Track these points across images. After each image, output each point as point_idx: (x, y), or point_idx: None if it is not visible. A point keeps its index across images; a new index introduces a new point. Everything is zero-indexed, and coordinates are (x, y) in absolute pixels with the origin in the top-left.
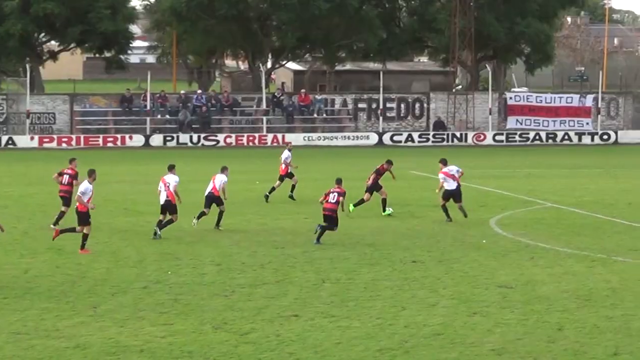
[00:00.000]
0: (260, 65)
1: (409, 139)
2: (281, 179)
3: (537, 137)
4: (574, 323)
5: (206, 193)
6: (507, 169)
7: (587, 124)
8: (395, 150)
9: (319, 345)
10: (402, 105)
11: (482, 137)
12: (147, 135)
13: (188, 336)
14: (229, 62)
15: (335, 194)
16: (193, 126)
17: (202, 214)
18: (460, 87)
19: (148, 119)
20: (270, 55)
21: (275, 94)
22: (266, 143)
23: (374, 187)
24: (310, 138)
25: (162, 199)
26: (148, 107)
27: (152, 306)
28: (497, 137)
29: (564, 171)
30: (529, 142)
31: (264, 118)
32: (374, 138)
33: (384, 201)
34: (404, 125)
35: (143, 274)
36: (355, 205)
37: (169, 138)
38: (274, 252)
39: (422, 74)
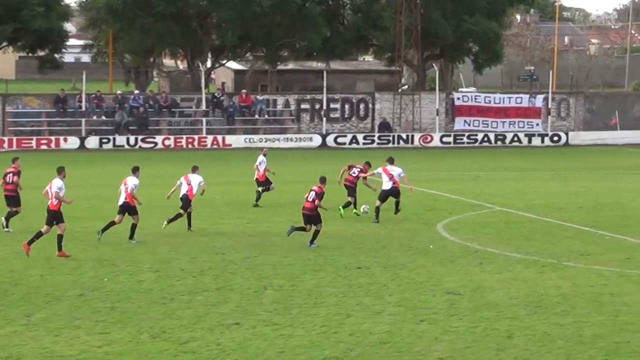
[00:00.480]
0: (200, 64)
1: (354, 140)
2: (260, 184)
3: (486, 139)
4: (524, 330)
5: (181, 195)
6: (454, 171)
7: (537, 125)
8: (339, 153)
9: (261, 355)
10: (346, 106)
11: (429, 138)
12: (83, 138)
13: (125, 345)
14: (168, 62)
15: (313, 192)
16: (130, 128)
17: (178, 215)
18: (406, 87)
19: (83, 120)
20: (210, 54)
21: (215, 94)
22: (206, 145)
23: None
24: (251, 140)
25: (121, 200)
26: (83, 108)
27: (88, 314)
28: (444, 139)
29: (514, 174)
30: (477, 144)
31: (204, 119)
32: (317, 140)
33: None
34: (348, 126)
35: (78, 281)
36: (344, 207)
37: (105, 140)
38: (214, 258)
39: (367, 73)
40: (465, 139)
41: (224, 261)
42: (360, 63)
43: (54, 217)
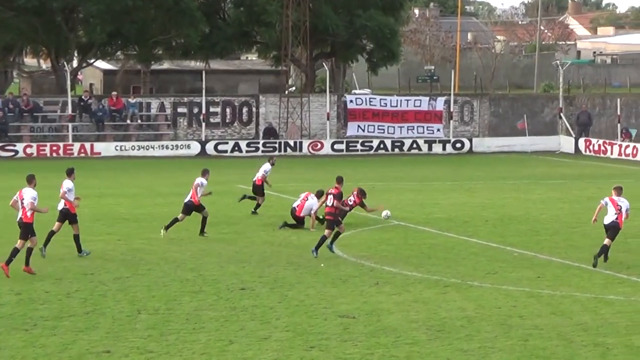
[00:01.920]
0: (65, 64)
1: (236, 148)
2: (255, 189)
3: (382, 146)
4: (424, 357)
5: (185, 200)
6: (347, 182)
7: (438, 130)
8: (220, 161)
9: None
10: (228, 110)
11: (319, 145)
12: None
13: None
14: (29, 61)
15: (331, 196)
16: None
17: (175, 220)
18: (293, 88)
19: None
20: (76, 53)
21: (83, 97)
22: (72, 153)
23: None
24: (123, 147)
25: (60, 206)
26: None
27: None
28: (335, 146)
29: (413, 184)
30: (372, 152)
31: (70, 125)
32: (195, 147)
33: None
34: (229, 132)
35: None
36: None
37: None
38: (82, 279)
39: (251, 73)
40: (359, 146)
41: (92, 282)
42: (243, 62)
43: (29, 230)
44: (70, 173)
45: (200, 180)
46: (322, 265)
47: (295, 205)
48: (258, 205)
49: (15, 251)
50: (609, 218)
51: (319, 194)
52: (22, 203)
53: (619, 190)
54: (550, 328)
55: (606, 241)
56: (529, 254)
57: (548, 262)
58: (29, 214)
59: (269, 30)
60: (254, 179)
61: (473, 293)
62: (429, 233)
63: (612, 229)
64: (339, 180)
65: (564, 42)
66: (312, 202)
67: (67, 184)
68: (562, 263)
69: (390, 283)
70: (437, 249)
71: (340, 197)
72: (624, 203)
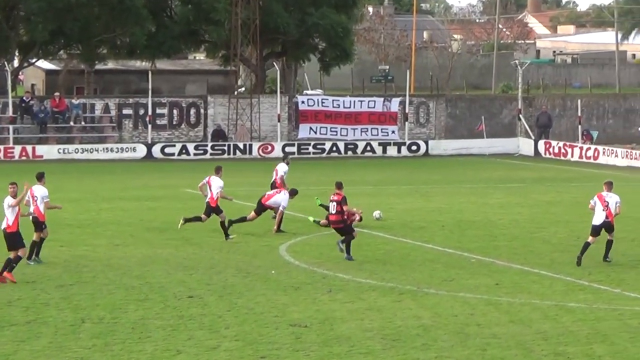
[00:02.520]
0: (6, 63)
1: (183, 151)
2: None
3: (335, 148)
4: None
5: (207, 199)
6: (299, 186)
7: (393, 132)
8: (167, 165)
9: None
10: (175, 111)
11: (270, 148)
12: None
13: None
14: None
15: (333, 203)
16: None
17: (197, 218)
18: (243, 89)
19: None
20: (17, 52)
21: (24, 98)
22: (13, 157)
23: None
24: (66, 150)
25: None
26: None
27: None
28: (287, 149)
29: (367, 188)
30: (324, 155)
31: (10, 127)
32: (141, 150)
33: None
34: (177, 134)
35: None
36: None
37: None
38: (23, 287)
39: (199, 74)
40: (310, 149)
41: (34, 290)
42: (190, 62)
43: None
44: (40, 178)
45: (214, 179)
46: (272, 272)
47: (266, 193)
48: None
49: (10, 262)
50: (599, 218)
51: (293, 193)
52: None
53: (609, 186)
54: (509, 337)
55: (590, 239)
56: (487, 260)
57: (507, 268)
58: (10, 223)
59: (218, 29)
60: (272, 181)
61: (429, 301)
62: (383, 238)
63: (605, 228)
64: (339, 185)
65: (522, 41)
66: (284, 198)
67: (41, 190)
68: (521, 269)
69: (344, 290)
70: (392, 255)
71: (345, 201)
72: (612, 198)
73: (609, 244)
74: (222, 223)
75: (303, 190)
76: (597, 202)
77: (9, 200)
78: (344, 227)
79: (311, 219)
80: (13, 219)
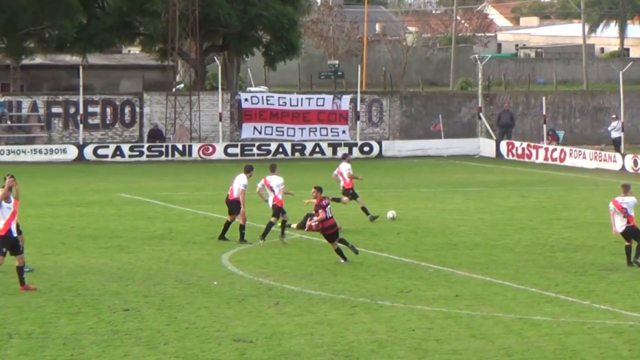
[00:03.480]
0: None
1: (118, 152)
2: (347, 193)
3: (281, 150)
4: None
5: (270, 203)
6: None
7: (344, 132)
8: (100, 167)
9: None
10: (108, 110)
11: (211, 149)
12: None
13: None
14: None
15: (326, 209)
16: None
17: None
18: (182, 85)
19: None
20: None
21: None
22: None
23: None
24: None
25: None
26: None
27: None
28: (229, 150)
29: None
30: (270, 156)
31: None
32: (72, 152)
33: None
34: (110, 135)
35: None
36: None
37: None
38: None
39: (134, 69)
40: (255, 150)
41: None
42: (124, 56)
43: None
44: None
45: (271, 178)
46: (214, 283)
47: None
48: (364, 209)
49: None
50: (621, 225)
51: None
52: None
53: (626, 189)
54: (470, 353)
55: (627, 243)
56: (446, 270)
57: (467, 279)
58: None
59: (154, 21)
60: (341, 183)
61: (384, 314)
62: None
63: (632, 234)
64: (320, 189)
65: (482, 34)
66: (242, 181)
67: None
68: (482, 280)
69: (292, 303)
70: (344, 265)
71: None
72: (629, 203)
73: (629, 249)
74: (284, 222)
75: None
76: (616, 210)
77: None
78: (336, 231)
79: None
80: None
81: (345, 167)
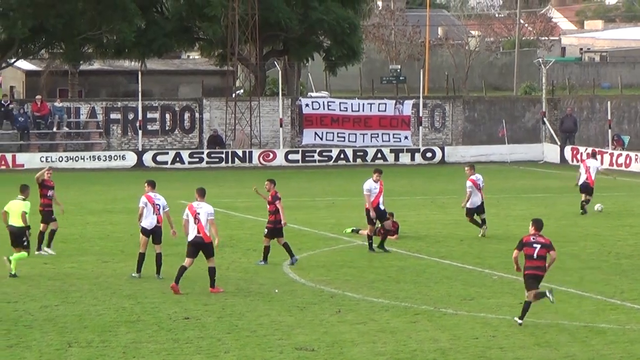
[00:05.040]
0: None
1: (177, 159)
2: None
3: (342, 156)
4: None
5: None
6: (303, 197)
7: (406, 138)
8: (159, 174)
9: None
10: (168, 116)
11: (271, 156)
12: None
13: None
14: None
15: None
16: None
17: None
18: (241, 91)
19: None
20: None
21: (2, 101)
22: None
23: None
24: (49, 159)
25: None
26: None
27: None
28: (290, 156)
29: None
30: (331, 162)
31: None
32: (131, 158)
33: None
34: (170, 141)
35: None
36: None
37: None
38: (4, 308)
39: (193, 74)
40: (316, 156)
41: (17, 311)
42: (184, 62)
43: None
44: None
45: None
46: (276, 290)
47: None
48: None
49: None
50: None
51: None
52: None
53: None
54: None
55: None
56: (510, 277)
57: None
58: None
59: (213, 26)
60: (583, 179)
61: (447, 322)
62: (396, 254)
63: None
64: (273, 181)
65: (546, 38)
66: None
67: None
68: (547, 287)
69: (354, 311)
70: (406, 272)
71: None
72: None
73: None
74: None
75: (308, 202)
76: None
77: None
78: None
79: (349, 229)
80: None
81: (594, 164)
